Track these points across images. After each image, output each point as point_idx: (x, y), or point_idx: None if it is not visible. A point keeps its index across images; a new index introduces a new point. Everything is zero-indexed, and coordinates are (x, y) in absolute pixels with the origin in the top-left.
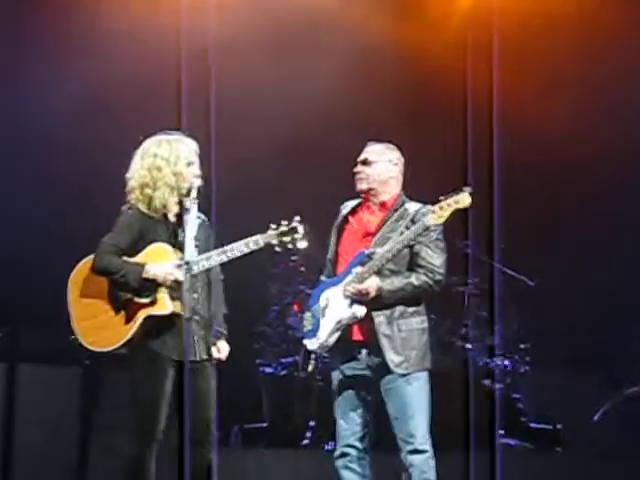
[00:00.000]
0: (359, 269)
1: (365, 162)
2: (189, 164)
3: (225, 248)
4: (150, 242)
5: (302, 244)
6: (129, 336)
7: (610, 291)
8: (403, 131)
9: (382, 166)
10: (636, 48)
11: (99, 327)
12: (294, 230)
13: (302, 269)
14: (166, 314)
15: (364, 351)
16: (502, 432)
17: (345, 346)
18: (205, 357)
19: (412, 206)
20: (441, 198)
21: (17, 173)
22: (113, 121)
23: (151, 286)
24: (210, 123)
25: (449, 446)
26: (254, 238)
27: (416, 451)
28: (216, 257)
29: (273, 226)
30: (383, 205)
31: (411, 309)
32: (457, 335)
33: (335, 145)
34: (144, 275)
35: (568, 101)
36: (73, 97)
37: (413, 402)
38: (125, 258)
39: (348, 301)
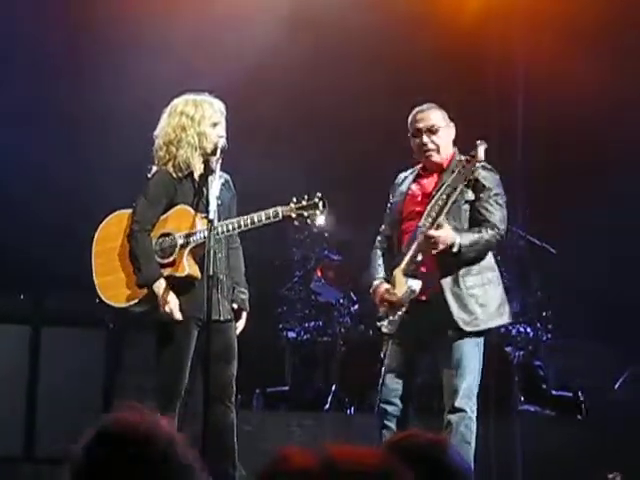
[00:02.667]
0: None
1: (432, 130)
2: (214, 124)
3: (246, 217)
4: (176, 203)
5: (320, 220)
6: (145, 293)
7: (634, 258)
8: (435, 94)
9: (446, 131)
10: None
11: (118, 283)
12: (314, 206)
13: (326, 235)
14: (182, 276)
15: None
16: (523, 399)
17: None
18: (228, 317)
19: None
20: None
21: (41, 138)
22: None
23: (171, 248)
24: None
25: None
26: (274, 210)
27: (455, 409)
28: (237, 223)
29: (295, 200)
30: (440, 166)
31: (476, 266)
32: None
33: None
34: (153, 285)
35: (592, 61)
36: None
37: (464, 361)
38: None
39: (406, 278)
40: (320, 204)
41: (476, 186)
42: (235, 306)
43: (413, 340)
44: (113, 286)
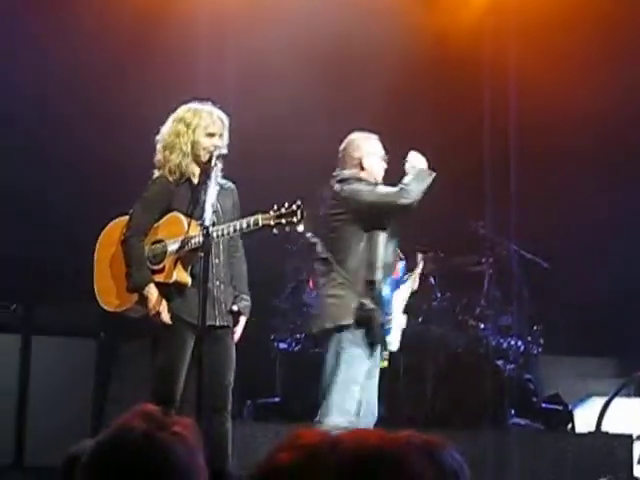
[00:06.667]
0: None
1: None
2: (210, 134)
3: (230, 224)
4: (172, 209)
5: (299, 228)
6: (136, 299)
7: (625, 275)
8: (423, 111)
9: None
10: None
11: (114, 288)
12: (292, 214)
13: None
14: (170, 282)
15: None
16: (513, 412)
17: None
18: (225, 324)
19: None
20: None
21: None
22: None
23: (161, 255)
24: None
25: (461, 424)
26: (255, 217)
27: None
28: (221, 231)
29: (275, 208)
30: None
31: None
32: (471, 314)
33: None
34: (144, 290)
35: (585, 84)
36: None
37: None
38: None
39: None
40: (298, 212)
41: None
42: (235, 308)
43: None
44: (109, 291)
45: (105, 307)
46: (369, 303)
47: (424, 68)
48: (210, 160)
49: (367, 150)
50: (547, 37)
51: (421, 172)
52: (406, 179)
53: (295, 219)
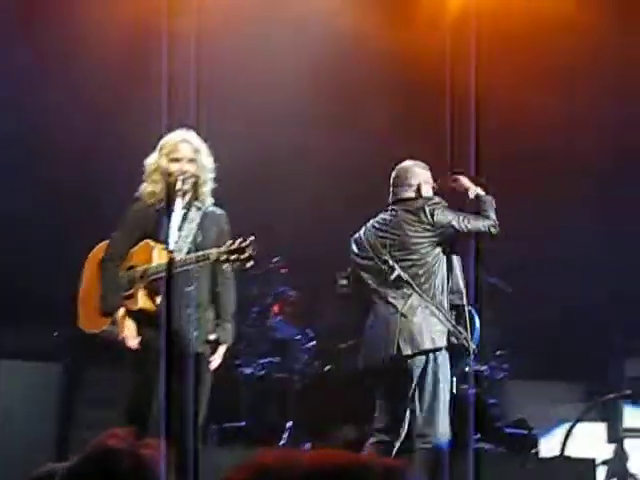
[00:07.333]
0: None
1: None
2: (174, 160)
3: (190, 255)
4: (149, 235)
5: (248, 264)
6: (107, 323)
7: (589, 300)
8: (388, 126)
9: None
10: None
11: (92, 309)
12: (241, 250)
13: (283, 271)
14: (135, 309)
15: None
16: (477, 436)
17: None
18: (199, 350)
19: None
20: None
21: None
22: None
23: (130, 282)
24: None
25: None
26: (209, 251)
27: None
28: (181, 261)
29: (228, 242)
30: None
31: None
32: None
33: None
34: (113, 315)
35: (548, 97)
36: None
37: None
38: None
39: None
40: (247, 250)
41: None
42: (212, 337)
43: None
44: (87, 313)
45: (82, 328)
46: (463, 331)
47: (391, 90)
48: (176, 185)
49: (423, 178)
50: (511, 54)
51: (488, 199)
52: (486, 209)
53: (243, 256)
